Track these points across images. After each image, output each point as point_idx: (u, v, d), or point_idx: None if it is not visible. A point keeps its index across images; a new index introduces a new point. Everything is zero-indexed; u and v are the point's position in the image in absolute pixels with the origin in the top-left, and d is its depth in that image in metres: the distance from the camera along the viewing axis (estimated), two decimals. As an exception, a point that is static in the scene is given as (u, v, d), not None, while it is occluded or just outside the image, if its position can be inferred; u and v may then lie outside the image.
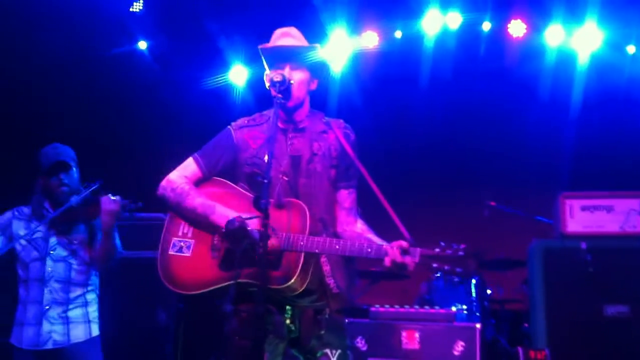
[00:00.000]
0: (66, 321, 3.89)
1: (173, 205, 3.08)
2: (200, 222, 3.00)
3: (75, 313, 3.94)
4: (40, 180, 4.02)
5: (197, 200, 3.01)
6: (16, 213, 4.05)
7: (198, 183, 3.14)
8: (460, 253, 2.68)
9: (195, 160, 3.15)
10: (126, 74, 7.35)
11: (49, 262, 3.91)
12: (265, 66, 3.16)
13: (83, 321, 3.96)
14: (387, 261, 2.73)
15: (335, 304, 2.97)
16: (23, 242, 3.95)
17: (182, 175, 3.12)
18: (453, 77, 7.55)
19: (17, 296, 3.95)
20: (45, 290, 3.87)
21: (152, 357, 5.45)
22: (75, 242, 3.99)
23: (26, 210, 4.04)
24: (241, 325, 2.93)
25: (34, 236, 3.96)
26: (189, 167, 3.15)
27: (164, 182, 3.13)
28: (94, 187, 3.91)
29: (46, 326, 3.84)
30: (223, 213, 2.91)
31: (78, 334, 3.92)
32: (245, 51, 7.46)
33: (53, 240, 3.97)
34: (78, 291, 3.97)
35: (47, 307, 3.86)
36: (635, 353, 4.85)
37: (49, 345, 3.83)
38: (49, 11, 6.68)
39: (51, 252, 3.93)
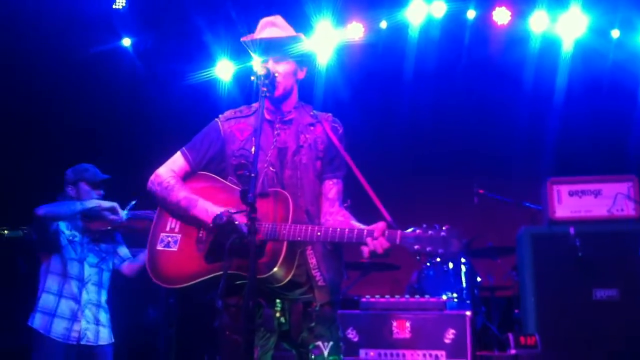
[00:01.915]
0: (97, 322, 4.22)
1: (160, 199, 3.10)
2: (183, 216, 3.02)
3: (103, 316, 4.28)
4: (81, 187, 4.31)
5: (181, 194, 3.02)
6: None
7: (187, 177, 3.14)
8: (443, 233, 2.64)
9: (183, 154, 3.16)
10: (110, 72, 7.31)
11: (86, 266, 4.23)
12: (252, 55, 3.15)
13: (108, 325, 4.33)
14: (369, 244, 2.71)
15: (321, 297, 2.97)
16: (65, 239, 4.23)
17: (169, 169, 3.13)
18: (438, 66, 7.56)
19: (40, 285, 4.17)
20: (84, 291, 4.18)
21: (144, 354, 5.45)
22: (104, 251, 4.36)
23: None
24: (232, 319, 2.93)
25: (74, 239, 4.25)
26: (177, 162, 3.15)
27: (152, 177, 3.14)
28: (131, 206, 4.23)
29: (83, 324, 4.13)
30: (204, 207, 2.93)
31: (104, 336, 4.26)
32: (231, 45, 7.43)
33: (86, 247, 4.29)
34: (105, 296, 4.33)
35: (85, 306, 4.16)
36: (624, 336, 4.90)
37: (83, 342, 4.12)
38: (31, 9, 6.63)
39: (87, 257, 4.25)
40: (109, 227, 4.25)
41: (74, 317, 4.11)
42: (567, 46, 7.27)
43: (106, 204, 4.15)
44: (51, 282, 4.14)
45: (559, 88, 7.37)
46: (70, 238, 4.25)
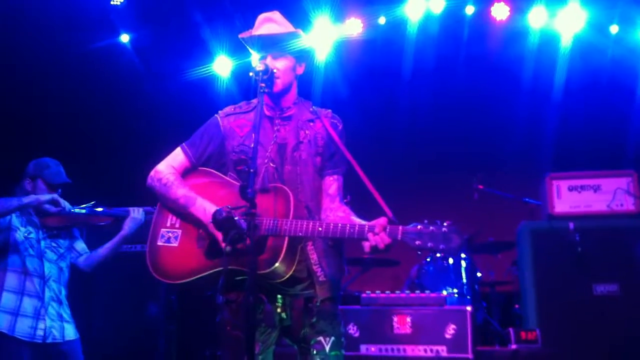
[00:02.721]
0: (61, 319, 4.10)
1: (159, 196, 3.10)
2: (181, 214, 3.02)
3: (66, 312, 4.17)
4: (38, 184, 4.20)
5: (180, 192, 3.02)
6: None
7: (186, 172, 3.14)
8: (444, 229, 2.64)
9: (183, 149, 3.15)
10: (109, 68, 7.30)
11: (45, 262, 4.13)
12: (251, 52, 3.14)
13: (71, 321, 4.21)
14: (370, 240, 2.72)
15: (322, 292, 2.96)
16: (21, 235, 4.10)
17: (169, 165, 3.13)
18: (437, 62, 7.56)
19: None
20: (46, 288, 4.07)
21: (144, 351, 5.45)
22: (62, 247, 4.25)
23: None
24: (233, 315, 2.93)
25: (29, 235, 4.13)
26: (177, 157, 3.15)
27: (152, 173, 3.14)
28: (89, 205, 4.18)
29: (47, 322, 4.02)
30: (202, 205, 2.93)
31: (70, 332, 4.15)
32: (229, 41, 7.42)
33: (43, 243, 4.17)
34: (64, 292, 4.21)
35: (48, 304, 4.05)
36: (625, 331, 4.90)
37: (49, 340, 4.00)
38: (29, 6, 6.61)
39: (45, 253, 4.14)
40: (67, 224, 4.19)
41: (37, 315, 3.99)
42: (566, 42, 7.27)
43: (45, 196, 4.01)
44: (11, 280, 4.00)
45: (558, 83, 7.38)
46: (26, 235, 4.11)
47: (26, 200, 3.98)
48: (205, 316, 5.36)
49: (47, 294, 4.06)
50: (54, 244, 4.19)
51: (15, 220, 4.11)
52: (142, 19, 7.41)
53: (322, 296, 2.96)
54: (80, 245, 4.39)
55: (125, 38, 7.56)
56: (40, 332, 3.97)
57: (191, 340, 5.84)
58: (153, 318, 5.51)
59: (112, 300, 4.85)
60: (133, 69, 7.57)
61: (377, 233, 2.70)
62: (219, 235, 2.80)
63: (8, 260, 4.03)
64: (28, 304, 3.99)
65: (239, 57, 7.45)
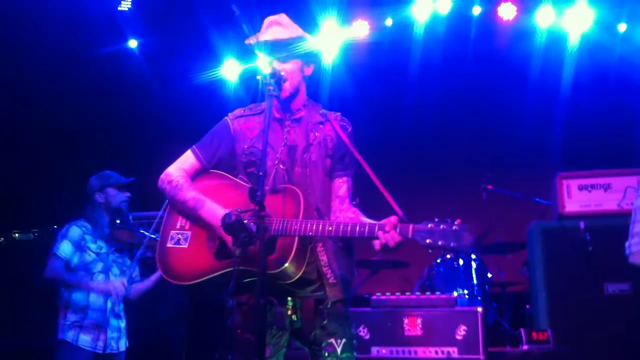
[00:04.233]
0: (119, 331, 4.40)
1: (169, 198, 3.12)
2: (191, 216, 3.04)
3: (123, 325, 4.46)
4: (109, 192, 4.47)
5: (189, 194, 3.03)
6: (83, 228, 4.43)
7: (197, 175, 3.15)
8: (455, 227, 2.64)
9: (194, 152, 3.17)
10: (117, 73, 7.34)
11: (111, 277, 4.41)
12: (258, 55, 3.15)
13: (126, 334, 4.49)
14: (381, 238, 2.72)
15: (333, 294, 2.96)
16: (92, 254, 4.39)
17: (180, 168, 3.14)
18: (444, 62, 7.55)
19: (61, 299, 4.32)
20: (109, 302, 4.35)
21: (155, 353, 5.46)
22: (125, 265, 4.52)
23: (85, 224, 4.46)
24: (243, 318, 2.93)
25: (101, 250, 4.42)
26: (187, 160, 3.16)
27: (162, 175, 3.16)
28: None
29: (108, 333, 4.31)
30: (211, 208, 2.94)
31: (123, 343, 4.44)
32: (237, 45, 7.43)
33: (111, 257, 4.47)
34: (122, 306, 4.48)
35: (109, 317, 4.34)
36: (637, 330, 4.86)
37: (108, 350, 4.31)
38: (37, 12, 6.65)
39: (111, 268, 4.42)
40: (134, 242, 4.40)
41: (100, 328, 4.28)
42: (574, 40, 7.25)
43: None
44: (77, 295, 4.29)
45: (566, 82, 7.35)
46: (98, 250, 4.41)
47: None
48: (215, 318, 5.37)
49: (109, 307, 4.34)
50: (119, 260, 4.46)
51: (88, 239, 4.38)
52: (149, 24, 7.45)
53: (333, 298, 2.96)
54: (136, 273, 4.60)
55: (133, 43, 7.59)
56: (101, 344, 4.26)
57: (201, 342, 5.85)
58: (164, 321, 5.53)
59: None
60: (141, 73, 7.60)
61: (387, 231, 2.70)
62: (229, 239, 2.80)
63: (78, 276, 4.31)
64: (92, 316, 4.28)
65: (247, 61, 7.46)
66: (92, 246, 4.39)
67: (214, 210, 2.92)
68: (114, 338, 4.33)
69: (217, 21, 7.22)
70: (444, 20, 7.38)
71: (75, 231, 4.35)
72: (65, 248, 4.30)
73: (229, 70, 7.64)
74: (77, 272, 4.33)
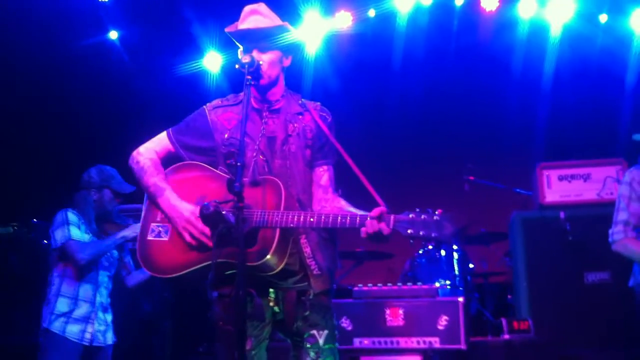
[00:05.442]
0: (106, 324, 4.36)
1: (136, 178, 3.13)
2: (153, 203, 3.04)
3: (110, 318, 4.41)
4: (105, 193, 4.38)
5: (152, 180, 3.04)
6: (77, 217, 4.34)
7: (169, 158, 3.14)
8: (436, 217, 2.64)
9: (168, 135, 3.16)
10: (97, 65, 7.26)
11: (100, 271, 4.35)
12: (237, 44, 3.13)
13: (112, 326, 4.44)
14: (362, 231, 2.72)
15: (317, 285, 2.96)
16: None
17: (151, 148, 3.14)
18: (427, 54, 7.55)
19: (51, 289, 4.26)
20: (97, 294, 4.31)
21: (139, 347, 5.45)
22: (113, 257, 4.45)
23: (77, 214, 4.35)
24: (224, 310, 2.92)
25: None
26: (161, 141, 3.16)
27: (134, 153, 3.15)
28: None
29: (96, 326, 4.27)
30: (169, 198, 2.97)
31: (110, 336, 4.39)
32: (219, 37, 7.39)
33: None
34: (109, 299, 4.44)
35: (97, 309, 4.29)
36: (616, 319, 4.92)
37: (95, 343, 4.26)
38: (16, 4, 6.57)
39: (101, 261, 4.35)
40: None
41: (88, 320, 4.24)
42: (555, 31, 7.28)
43: (131, 235, 4.26)
44: (67, 287, 4.25)
45: (548, 73, 7.39)
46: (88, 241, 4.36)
47: (119, 240, 4.25)
48: (199, 312, 5.36)
49: (98, 299, 4.30)
50: (108, 253, 4.37)
51: (82, 228, 4.30)
52: (130, 15, 7.38)
53: (317, 289, 2.96)
54: (127, 258, 4.57)
55: (114, 35, 7.52)
56: (87, 336, 4.21)
57: (186, 336, 5.84)
58: (147, 316, 5.52)
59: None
60: (122, 65, 7.54)
61: (370, 221, 2.70)
62: (184, 232, 2.85)
63: (67, 269, 4.26)
64: (80, 308, 4.23)
65: (228, 52, 7.42)
66: (85, 237, 4.34)
67: (171, 202, 2.94)
68: (100, 331, 4.28)
69: (199, 12, 7.18)
70: (426, 11, 7.38)
71: (73, 217, 4.31)
72: (75, 232, 4.24)
73: (211, 62, 7.61)
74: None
